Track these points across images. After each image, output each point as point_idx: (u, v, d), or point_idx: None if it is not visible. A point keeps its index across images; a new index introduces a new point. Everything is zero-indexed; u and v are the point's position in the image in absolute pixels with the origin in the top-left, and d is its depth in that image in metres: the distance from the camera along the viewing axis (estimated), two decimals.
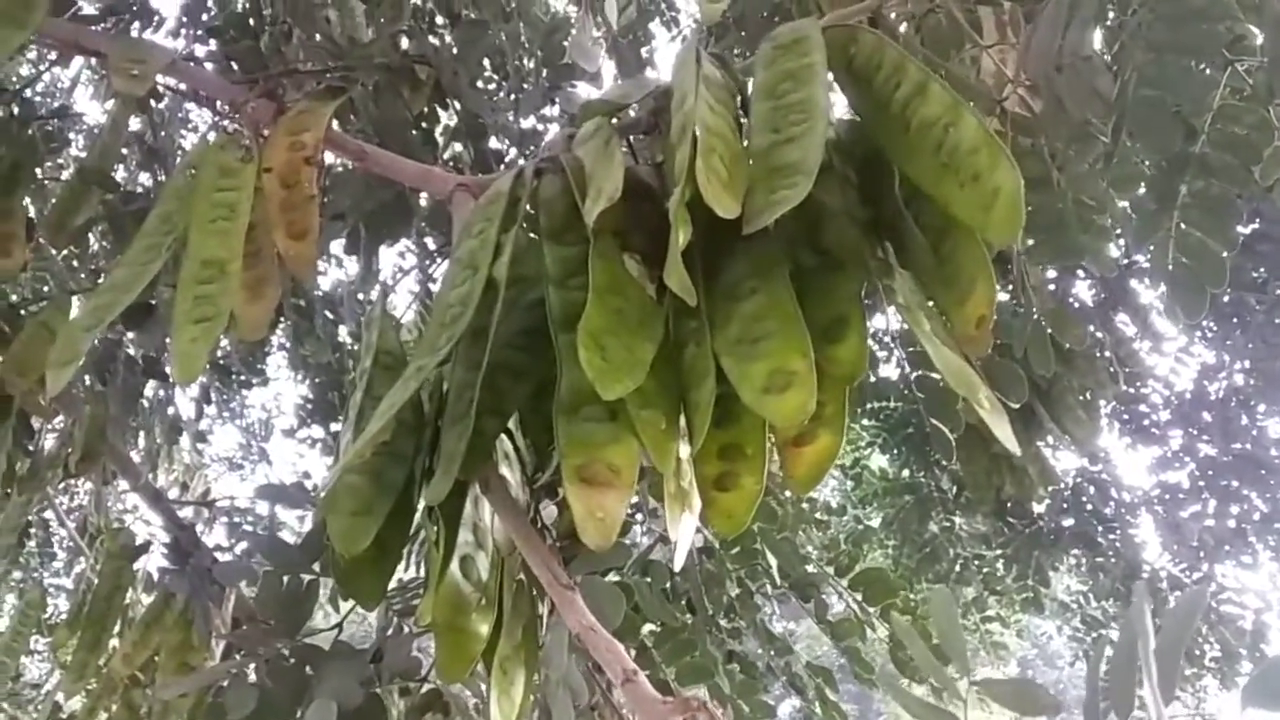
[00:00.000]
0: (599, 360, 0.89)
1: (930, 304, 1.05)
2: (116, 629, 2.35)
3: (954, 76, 1.42)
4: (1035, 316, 1.53)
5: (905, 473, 4.15)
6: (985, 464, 3.42)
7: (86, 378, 2.33)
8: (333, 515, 1.06)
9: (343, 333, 3.79)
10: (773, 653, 2.27)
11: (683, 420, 1.00)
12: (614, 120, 1.18)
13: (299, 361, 4.07)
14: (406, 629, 1.37)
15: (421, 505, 1.13)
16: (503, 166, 2.51)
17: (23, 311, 2.29)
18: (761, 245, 0.98)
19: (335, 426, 4.19)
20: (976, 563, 4.28)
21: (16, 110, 1.83)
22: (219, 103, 1.70)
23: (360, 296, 3.53)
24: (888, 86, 1.02)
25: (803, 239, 1.04)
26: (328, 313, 3.52)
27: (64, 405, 2.21)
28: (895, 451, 3.94)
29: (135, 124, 2.89)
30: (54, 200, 1.96)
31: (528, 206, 1.14)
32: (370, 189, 1.81)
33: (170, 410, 2.97)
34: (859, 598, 1.88)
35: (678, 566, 1.02)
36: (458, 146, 2.76)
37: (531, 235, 1.15)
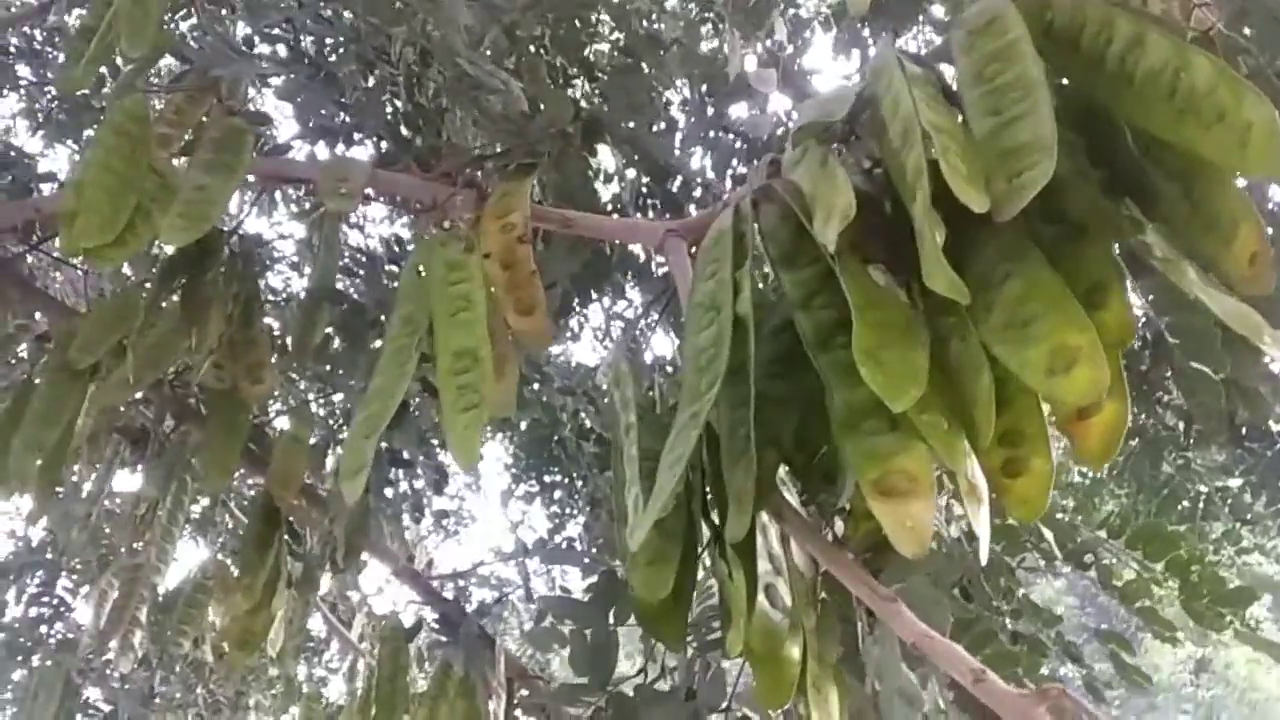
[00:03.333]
0: (880, 375, 0.91)
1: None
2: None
3: (1140, 12, 1.38)
4: None
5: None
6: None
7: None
8: (633, 569, 1.11)
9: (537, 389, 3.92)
10: (1040, 625, 2.23)
11: None
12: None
13: (501, 423, 4.23)
14: (714, 664, 1.41)
15: (705, 546, 1.17)
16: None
17: (266, 429, 2.47)
18: (1003, 227, 0.97)
19: (547, 479, 4.33)
20: (1220, 495, 4.06)
21: (237, 248, 1.97)
22: (417, 201, 1.80)
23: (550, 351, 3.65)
24: (1098, 44, 1.01)
25: (1038, 212, 1.03)
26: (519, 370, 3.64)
27: (321, 506, 2.36)
28: None
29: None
30: (291, 322, 2.11)
31: None
32: (574, 250, 1.88)
33: (409, 491, 3.12)
34: (1139, 556, 1.83)
35: (984, 560, 1.02)
36: (614, 187, 2.84)
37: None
